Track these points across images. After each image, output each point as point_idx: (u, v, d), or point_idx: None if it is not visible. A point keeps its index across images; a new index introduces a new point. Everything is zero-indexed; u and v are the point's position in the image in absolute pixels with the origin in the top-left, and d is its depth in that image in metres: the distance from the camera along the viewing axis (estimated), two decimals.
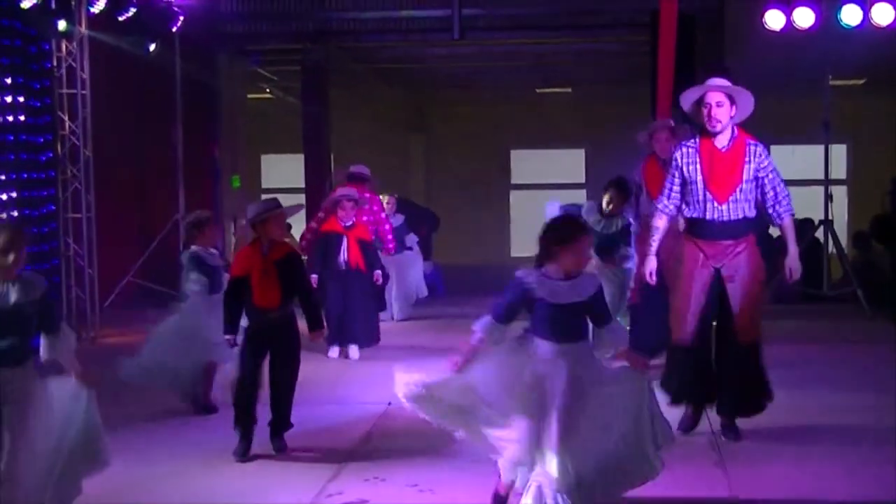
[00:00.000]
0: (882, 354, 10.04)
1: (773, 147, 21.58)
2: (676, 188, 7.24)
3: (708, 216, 7.09)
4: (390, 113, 23.08)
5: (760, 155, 7.11)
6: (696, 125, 7.40)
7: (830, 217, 14.55)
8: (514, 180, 24.28)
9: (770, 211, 7.19)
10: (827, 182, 14.52)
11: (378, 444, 7.45)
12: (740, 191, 7.08)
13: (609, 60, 18.26)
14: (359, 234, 10.68)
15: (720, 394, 7.24)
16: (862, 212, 18.46)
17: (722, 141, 7.11)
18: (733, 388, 7.17)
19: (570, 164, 23.19)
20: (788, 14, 13.71)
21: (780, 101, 18.47)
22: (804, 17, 13.66)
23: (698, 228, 7.16)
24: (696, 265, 7.14)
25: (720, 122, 7.06)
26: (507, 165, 24.08)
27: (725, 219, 7.07)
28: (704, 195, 7.10)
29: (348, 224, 10.59)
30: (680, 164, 7.20)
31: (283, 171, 21.45)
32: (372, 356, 10.64)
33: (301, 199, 16.67)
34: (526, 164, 24.14)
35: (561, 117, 22.33)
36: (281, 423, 7.16)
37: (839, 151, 19.77)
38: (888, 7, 13.32)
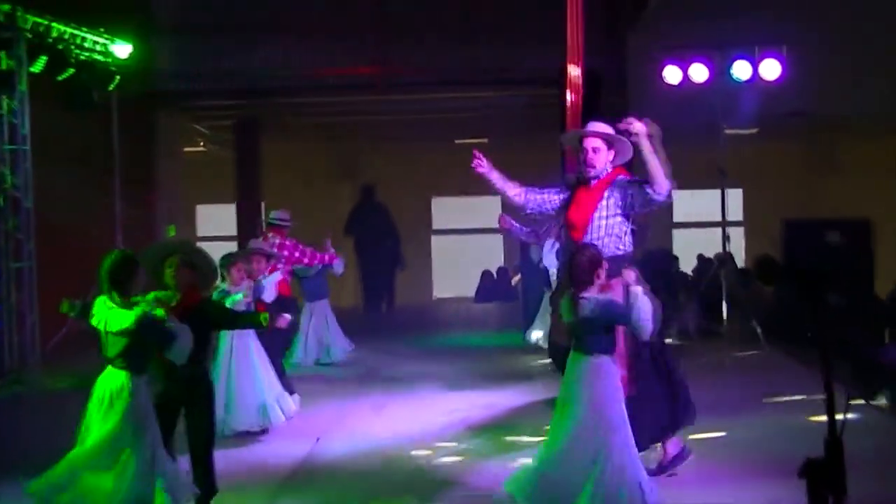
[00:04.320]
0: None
1: (673, 192, 21.79)
2: None
3: None
4: (321, 162, 23.06)
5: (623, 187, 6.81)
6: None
7: (729, 252, 14.74)
8: (435, 226, 24.31)
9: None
10: (724, 224, 14.65)
11: (309, 476, 7.48)
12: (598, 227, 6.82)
13: (521, 113, 18.43)
14: None
15: None
16: (758, 250, 18.71)
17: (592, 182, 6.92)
18: None
19: (487, 210, 23.21)
20: (685, 69, 13.93)
21: (680, 148, 18.66)
22: (699, 73, 13.89)
23: None
24: None
25: (594, 167, 6.89)
26: (428, 211, 24.15)
27: None
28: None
29: None
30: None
31: (217, 220, 21.28)
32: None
33: (234, 246, 16.55)
34: (446, 210, 24.23)
35: None
36: (205, 491, 6.14)
37: (735, 195, 20.05)
38: (776, 63, 13.65)
